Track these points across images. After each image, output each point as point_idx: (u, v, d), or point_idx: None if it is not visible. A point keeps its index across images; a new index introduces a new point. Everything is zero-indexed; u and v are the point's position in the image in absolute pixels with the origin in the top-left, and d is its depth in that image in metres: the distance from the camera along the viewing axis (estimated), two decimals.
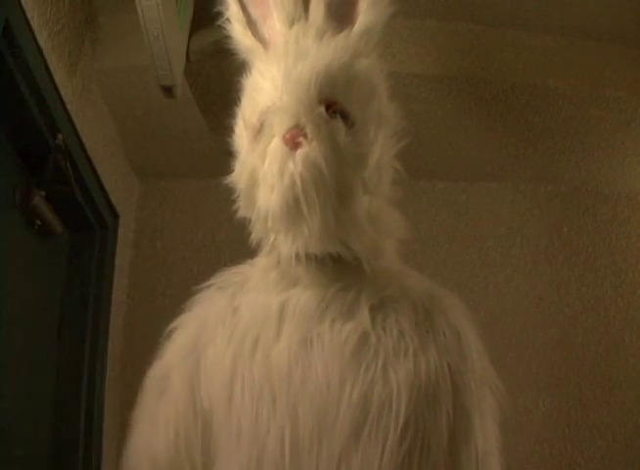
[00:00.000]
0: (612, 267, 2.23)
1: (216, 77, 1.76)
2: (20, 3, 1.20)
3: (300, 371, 0.86)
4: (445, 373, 0.88)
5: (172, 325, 1.00)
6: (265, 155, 0.89)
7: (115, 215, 1.92)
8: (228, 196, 0.99)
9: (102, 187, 1.78)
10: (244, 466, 0.84)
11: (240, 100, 1.01)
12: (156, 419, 0.95)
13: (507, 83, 1.84)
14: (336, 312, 0.90)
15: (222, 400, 0.89)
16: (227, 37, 1.03)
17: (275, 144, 0.88)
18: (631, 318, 2.18)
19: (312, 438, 0.82)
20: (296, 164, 0.85)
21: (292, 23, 0.98)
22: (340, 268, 0.92)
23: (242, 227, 0.99)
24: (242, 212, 0.98)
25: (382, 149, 0.94)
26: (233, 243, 0.98)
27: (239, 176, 0.97)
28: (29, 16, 1.25)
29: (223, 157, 1.01)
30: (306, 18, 0.98)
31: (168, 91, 1.60)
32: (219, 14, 1.03)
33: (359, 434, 0.82)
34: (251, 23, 1.02)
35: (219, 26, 1.04)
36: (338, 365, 0.85)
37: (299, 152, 0.85)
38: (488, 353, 0.95)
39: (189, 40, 1.67)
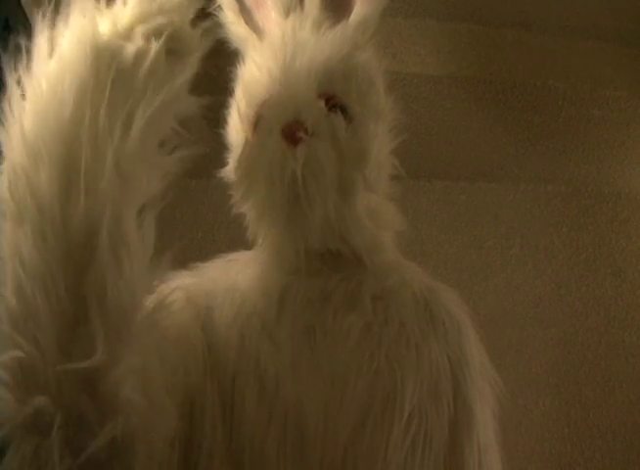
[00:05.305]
0: (612, 267, 2.23)
1: (216, 77, 1.75)
2: (19, 3, 1.20)
3: (305, 361, 0.83)
4: (445, 365, 0.87)
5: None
6: (263, 150, 0.87)
7: None
8: (228, 195, 0.98)
9: None
10: (246, 455, 0.80)
11: (234, 90, 0.97)
12: None
13: (507, 83, 1.84)
14: (337, 302, 0.87)
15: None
16: (220, 26, 0.98)
17: (274, 139, 0.85)
18: (631, 318, 2.18)
19: (317, 427, 0.79)
20: (296, 160, 0.82)
21: (287, 13, 0.95)
22: (339, 261, 0.90)
23: (242, 227, 0.98)
24: (238, 208, 0.95)
25: (380, 144, 0.92)
26: (233, 243, 0.97)
27: (234, 171, 0.94)
28: (29, 16, 1.25)
29: (223, 156, 1.00)
30: (302, 7, 0.95)
31: None
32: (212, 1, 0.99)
33: (365, 423, 0.80)
34: (244, 11, 0.99)
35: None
36: (341, 355, 0.83)
37: (300, 147, 0.83)
38: (488, 354, 0.95)
39: None
